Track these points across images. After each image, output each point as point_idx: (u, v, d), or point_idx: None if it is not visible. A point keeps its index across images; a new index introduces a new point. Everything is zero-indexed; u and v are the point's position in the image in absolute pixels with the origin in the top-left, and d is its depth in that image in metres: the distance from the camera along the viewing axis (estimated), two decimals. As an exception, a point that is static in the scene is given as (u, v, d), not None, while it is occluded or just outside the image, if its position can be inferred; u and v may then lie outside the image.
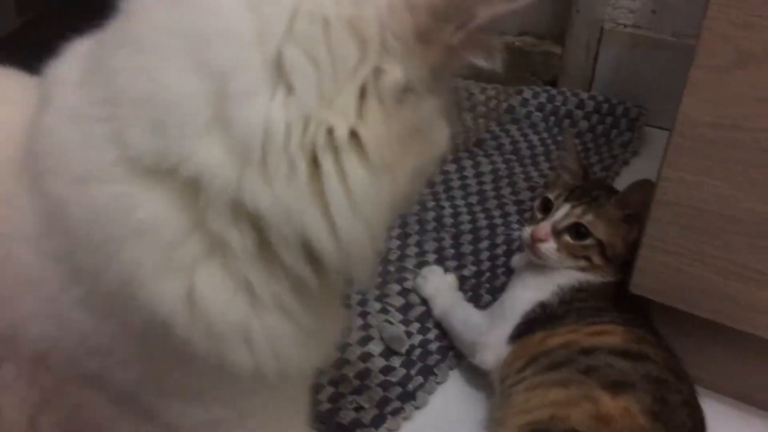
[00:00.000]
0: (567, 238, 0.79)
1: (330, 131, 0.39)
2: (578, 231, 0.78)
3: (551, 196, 0.83)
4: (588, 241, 0.78)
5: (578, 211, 0.79)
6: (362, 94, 0.40)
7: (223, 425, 0.49)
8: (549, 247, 0.79)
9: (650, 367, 0.67)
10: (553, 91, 1.41)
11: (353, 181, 0.40)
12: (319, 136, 0.39)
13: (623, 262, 0.79)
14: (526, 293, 0.79)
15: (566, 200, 0.81)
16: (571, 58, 1.45)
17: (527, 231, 0.81)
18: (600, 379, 0.66)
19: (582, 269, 0.79)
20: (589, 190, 0.82)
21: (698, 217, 0.72)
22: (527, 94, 1.42)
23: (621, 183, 1.23)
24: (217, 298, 0.41)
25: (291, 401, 0.54)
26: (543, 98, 1.40)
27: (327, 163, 0.39)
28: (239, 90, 0.38)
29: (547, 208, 0.83)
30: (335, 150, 0.39)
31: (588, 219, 0.78)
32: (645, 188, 0.76)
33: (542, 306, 0.77)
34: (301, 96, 0.38)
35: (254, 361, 0.43)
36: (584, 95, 1.39)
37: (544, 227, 0.79)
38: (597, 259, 0.78)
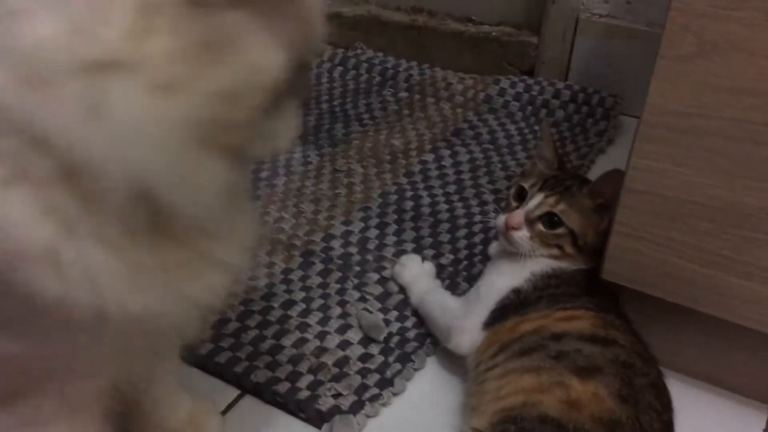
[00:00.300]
0: (540, 226, 0.80)
1: (103, 47, 0.37)
2: (551, 220, 0.80)
3: (526, 185, 0.84)
4: (560, 230, 0.80)
5: (551, 200, 0.81)
6: (137, 7, 0.37)
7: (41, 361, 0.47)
8: (522, 235, 0.80)
9: (617, 352, 0.69)
10: (530, 81, 1.43)
11: (130, 104, 0.37)
12: (92, 54, 0.37)
13: (595, 250, 0.81)
14: (501, 280, 0.81)
15: (540, 189, 0.82)
16: (548, 47, 1.46)
17: (501, 219, 0.82)
18: (569, 365, 0.67)
19: (554, 257, 0.80)
20: (563, 179, 0.83)
21: (666, 204, 0.73)
22: (504, 83, 1.44)
23: (596, 171, 1.25)
24: (22, 220, 0.39)
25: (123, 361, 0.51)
26: (520, 88, 1.42)
27: (100, 83, 0.37)
28: (15, 7, 0.37)
29: (521, 196, 0.84)
30: (109, 69, 0.37)
31: (560, 208, 0.80)
32: (616, 178, 0.77)
33: (516, 292, 0.79)
34: (73, 11, 0.37)
35: (64, 290, 0.40)
36: (560, 85, 1.40)
37: (518, 215, 0.81)
38: (569, 248, 0.80)
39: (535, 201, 0.81)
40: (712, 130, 0.68)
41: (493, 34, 1.53)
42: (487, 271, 0.87)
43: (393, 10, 1.65)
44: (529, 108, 1.39)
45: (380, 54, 1.58)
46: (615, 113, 1.35)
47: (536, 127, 1.35)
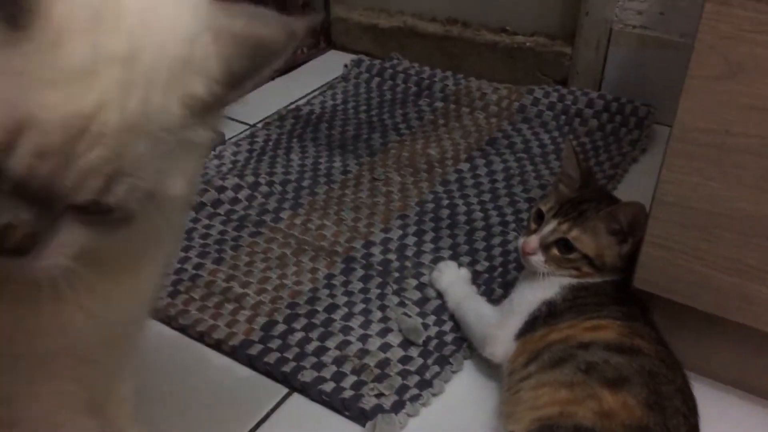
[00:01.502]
0: (554, 251, 0.84)
1: None
2: (565, 245, 0.83)
3: (544, 208, 0.88)
4: (573, 255, 0.83)
5: (564, 227, 0.84)
6: None
7: None
8: (537, 259, 0.84)
9: (643, 361, 0.73)
10: (564, 91, 1.46)
11: None
12: None
13: (618, 267, 0.84)
14: (533, 293, 0.85)
15: (555, 215, 0.85)
16: (581, 57, 1.49)
17: (520, 242, 0.87)
18: (599, 378, 0.71)
19: (573, 276, 0.84)
20: (579, 203, 0.86)
21: (695, 216, 0.77)
22: (538, 93, 1.47)
23: (630, 180, 1.28)
24: None
25: None
26: (554, 97, 1.45)
27: None
28: None
29: (540, 218, 0.88)
30: None
31: (573, 235, 0.83)
32: (635, 210, 0.81)
33: (547, 304, 0.83)
34: None
35: None
36: (594, 94, 1.43)
37: (533, 241, 0.85)
38: (586, 269, 0.83)
39: (549, 227, 0.85)
40: (738, 147, 0.71)
41: (528, 44, 1.57)
42: (519, 284, 0.91)
43: (428, 21, 1.70)
44: (563, 117, 1.42)
45: (416, 64, 1.62)
46: (648, 122, 1.37)
47: (570, 136, 1.38)
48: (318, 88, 1.60)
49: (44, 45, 0.36)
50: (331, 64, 1.70)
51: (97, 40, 0.37)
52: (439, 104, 1.51)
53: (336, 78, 1.64)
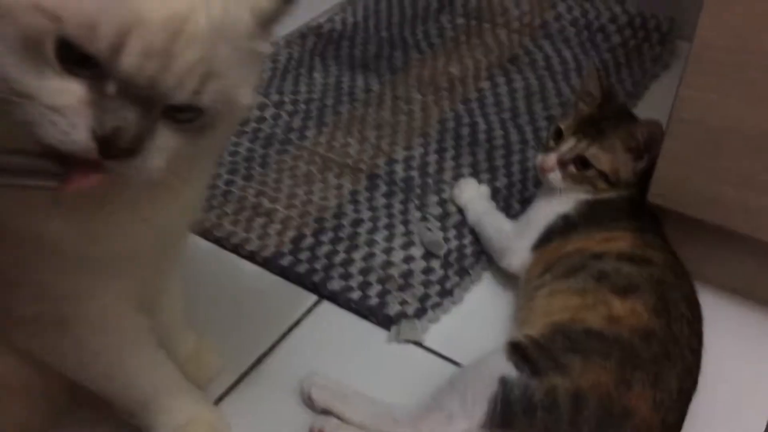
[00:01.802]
0: (572, 168, 0.87)
1: None
2: (582, 162, 0.86)
3: (563, 126, 0.90)
4: (590, 172, 0.86)
5: (583, 144, 0.87)
6: None
7: None
8: (554, 176, 0.88)
9: (653, 270, 0.77)
10: (587, 5, 1.44)
11: None
12: None
13: (633, 182, 0.87)
14: (550, 207, 0.89)
15: (573, 133, 0.88)
16: (606, -30, 1.46)
17: (538, 158, 0.89)
18: (610, 286, 0.76)
19: (588, 192, 0.87)
20: (598, 121, 0.88)
21: (711, 133, 0.79)
22: (561, 8, 1.46)
23: (650, 97, 1.29)
24: None
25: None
26: (576, 12, 1.44)
27: None
28: None
29: (559, 135, 0.90)
30: None
31: (591, 152, 0.86)
32: (653, 128, 0.83)
33: (563, 218, 0.87)
34: None
35: None
36: (617, 9, 1.42)
37: (551, 159, 0.88)
38: (601, 185, 0.87)
39: (568, 145, 0.88)
40: (755, 64, 0.73)
41: (551, -43, 1.53)
42: (536, 198, 0.95)
43: (450, -67, 1.66)
44: (585, 33, 1.42)
45: (438, -21, 1.60)
46: (671, 37, 1.36)
47: (592, 52, 1.38)
48: (338, 3, 1.59)
49: None
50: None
51: None
52: (460, 20, 1.50)
53: (356, -6, 1.62)
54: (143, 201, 0.53)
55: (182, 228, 0.65)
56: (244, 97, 0.48)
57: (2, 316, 0.58)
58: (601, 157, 0.86)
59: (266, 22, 0.47)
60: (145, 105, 0.42)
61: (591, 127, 0.88)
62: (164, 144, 0.45)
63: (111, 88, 0.41)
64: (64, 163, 0.43)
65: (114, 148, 0.42)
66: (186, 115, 0.45)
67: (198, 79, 0.43)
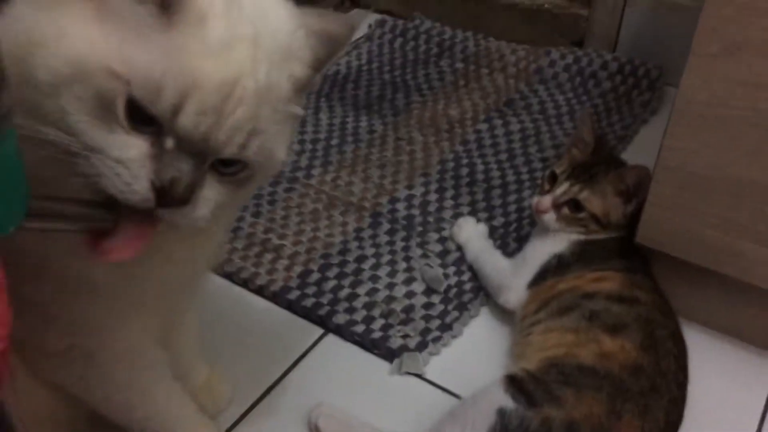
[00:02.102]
0: (565, 210, 0.93)
1: None
2: (576, 205, 0.92)
3: (558, 170, 0.96)
4: (582, 215, 0.92)
5: (576, 189, 0.92)
6: None
7: None
8: (549, 217, 0.93)
9: (640, 309, 0.82)
10: (579, 53, 1.52)
11: None
12: None
13: (622, 224, 0.93)
14: (544, 247, 0.94)
15: (567, 178, 0.94)
16: (598, 20, 1.54)
17: (534, 200, 0.95)
18: (601, 325, 0.81)
19: (580, 233, 0.93)
20: (591, 166, 0.94)
21: (693, 180, 0.85)
22: (555, 55, 1.53)
23: (640, 140, 1.35)
24: None
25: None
26: (570, 59, 1.51)
27: None
28: None
29: (553, 179, 0.96)
30: None
31: (583, 196, 0.92)
32: (641, 173, 0.89)
33: (557, 257, 0.92)
34: None
35: None
36: (608, 56, 1.49)
37: (546, 201, 0.93)
38: (593, 227, 0.92)
39: (562, 188, 0.93)
40: (734, 118, 0.79)
41: (546, 6, 1.61)
42: (531, 238, 1.00)
43: (450, -19, 1.74)
44: (578, 79, 1.49)
45: (438, 24, 1.68)
46: (660, 84, 1.44)
47: (584, 98, 1.45)
48: (343, 48, 1.66)
49: (192, 25, 0.46)
50: (355, 23, 1.75)
51: (230, 23, 0.47)
52: (459, 65, 1.58)
53: (360, 38, 1.70)
54: (176, 244, 0.58)
55: (206, 267, 0.70)
56: (280, 153, 0.54)
57: (34, 349, 0.62)
58: (593, 201, 0.91)
59: (301, 88, 0.53)
60: (198, 158, 0.47)
61: (584, 173, 0.93)
62: (211, 194, 0.50)
63: (169, 143, 0.46)
64: (112, 211, 0.48)
65: (169, 198, 0.47)
66: (232, 168, 0.50)
67: (245, 136, 0.48)
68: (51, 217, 0.46)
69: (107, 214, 0.48)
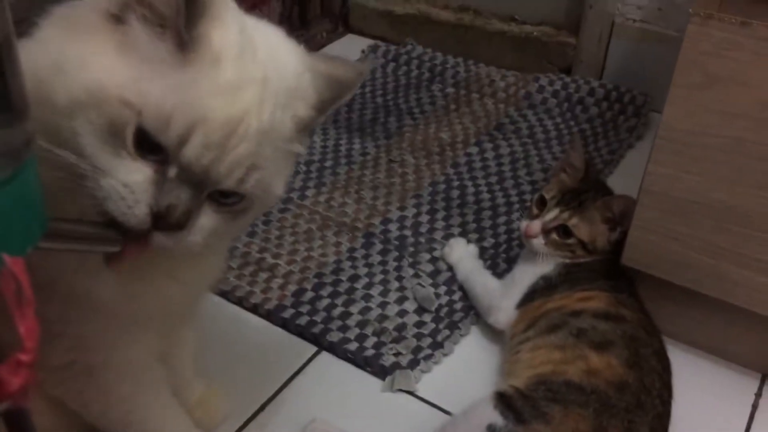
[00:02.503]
0: (554, 236, 0.95)
1: None
2: (564, 231, 0.95)
3: (547, 196, 0.99)
4: (571, 240, 0.95)
5: (565, 215, 0.95)
6: None
7: None
8: (538, 242, 0.96)
9: (626, 327, 0.85)
10: (567, 79, 1.56)
11: None
12: None
13: (607, 250, 0.95)
14: (532, 268, 0.97)
15: (557, 204, 0.96)
16: (585, 48, 1.59)
17: (523, 225, 0.98)
18: (588, 342, 0.83)
19: (567, 258, 0.95)
20: (580, 193, 0.96)
21: (676, 204, 0.88)
22: (543, 81, 1.57)
23: (626, 164, 1.39)
24: None
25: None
26: (558, 86, 1.55)
27: None
28: None
29: (542, 203, 0.99)
30: None
31: (572, 222, 0.94)
32: (626, 202, 0.92)
33: (544, 278, 0.95)
34: None
35: None
36: (595, 83, 1.53)
37: (535, 226, 0.96)
38: (579, 252, 0.95)
39: (552, 214, 0.96)
40: (714, 146, 0.82)
41: (535, 33, 1.66)
42: (520, 259, 1.03)
43: (441, 8, 1.79)
44: (566, 105, 1.53)
45: (429, 50, 1.72)
46: (645, 111, 1.48)
47: (572, 122, 1.49)
48: (337, 72, 1.69)
49: (207, 64, 0.49)
50: (348, 48, 1.79)
51: (242, 66, 0.50)
52: (450, 90, 1.62)
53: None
54: (179, 265, 0.60)
55: (206, 287, 0.72)
56: (278, 188, 0.56)
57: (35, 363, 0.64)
58: (582, 228, 0.94)
59: (303, 128, 0.55)
60: (197, 188, 0.50)
61: (573, 199, 0.96)
62: (207, 222, 0.53)
63: (172, 171, 0.49)
64: (119, 232, 0.50)
65: (164, 223, 0.49)
66: (230, 200, 0.53)
67: (244, 170, 0.51)
68: (64, 238, 0.48)
69: (117, 234, 0.50)
